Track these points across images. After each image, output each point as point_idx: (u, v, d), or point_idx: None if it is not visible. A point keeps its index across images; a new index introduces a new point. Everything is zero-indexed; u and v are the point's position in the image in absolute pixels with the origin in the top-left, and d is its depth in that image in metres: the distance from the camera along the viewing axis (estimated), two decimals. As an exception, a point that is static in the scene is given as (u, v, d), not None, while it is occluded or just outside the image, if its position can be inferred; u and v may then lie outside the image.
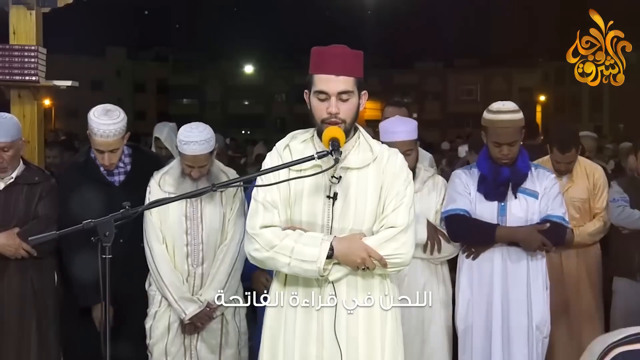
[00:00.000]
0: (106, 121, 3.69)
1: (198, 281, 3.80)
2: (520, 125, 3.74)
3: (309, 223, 2.74)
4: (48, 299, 3.94)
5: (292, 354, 2.74)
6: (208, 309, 3.76)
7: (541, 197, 3.76)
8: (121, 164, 3.89)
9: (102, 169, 3.86)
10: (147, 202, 3.71)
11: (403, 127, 3.92)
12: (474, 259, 3.84)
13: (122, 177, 3.88)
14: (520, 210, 3.75)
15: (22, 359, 3.85)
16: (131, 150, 3.95)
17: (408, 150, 3.71)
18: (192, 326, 3.78)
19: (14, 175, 3.87)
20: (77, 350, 3.95)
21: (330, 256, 2.65)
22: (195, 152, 3.66)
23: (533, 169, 3.85)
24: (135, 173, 3.88)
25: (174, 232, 3.77)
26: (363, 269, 2.70)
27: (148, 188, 3.79)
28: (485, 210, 3.78)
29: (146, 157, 4.06)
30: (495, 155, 3.76)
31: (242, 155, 10.60)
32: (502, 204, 3.77)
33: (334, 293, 2.71)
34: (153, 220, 3.75)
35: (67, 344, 3.99)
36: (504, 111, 3.73)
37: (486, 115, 3.79)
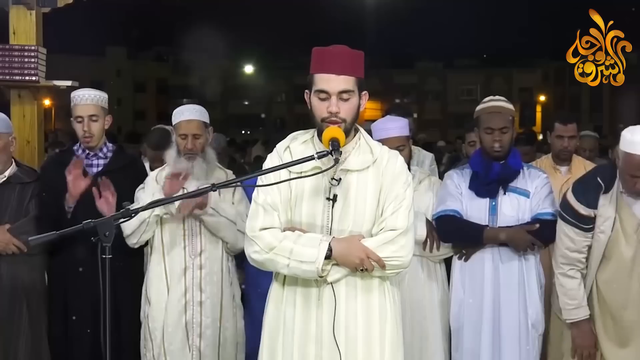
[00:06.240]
0: (86, 89, 3.98)
1: (197, 272, 3.80)
2: (510, 114, 3.82)
3: (309, 225, 2.74)
4: (39, 297, 3.95)
5: (291, 354, 2.74)
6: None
7: (532, 195, 3.78)
8: (101, 154, 3.99)
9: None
10: (139, 198, 3.77)
11: (394, 123, 3.97)
12: (465, 260, 3.85)
13: (99, 168, 3.96)
14: (511, 210, 3.77)
15: (13, 356, 3.86)
16: (115, 148, 4.07)
17: (400, 146, 3.74)
18: (185, 207, 3.71)
19: (6, 174, 3.90)
20: (62, 349, 3.96)
21: (328, 257, 2.65)
22: (188, 117, 3.78)
23: (525, 168, 3.88)
24: (113, 166, 3.96)
25: (171, 222, 3.79)
26: (361, 270, 2.70)
27: (142, 184, 3.86)
28: (476, 209, 3.80)
29: (126, 157, 4.18)
30: (488, 144, 3.78)
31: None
32: (493, 202, 3.79)
33: (333, 294, 2.72)
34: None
35: (52, 344, 4.00)
36: (494, 100, 3.89)
37: (478, 107, 3.91)
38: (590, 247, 3.56)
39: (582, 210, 3.52)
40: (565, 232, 3.59)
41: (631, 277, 3.51)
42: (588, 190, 3.55)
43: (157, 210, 3.70)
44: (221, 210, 3.78)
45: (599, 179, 3.54)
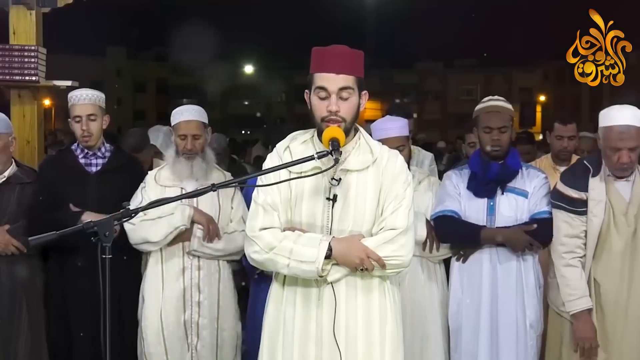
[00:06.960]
0: (84, 89, 4.01)
1: (195, 273, 3.80)
2: (509, 114, 3.84)
3: (309, 225, 2.74)
4: (38, 297, 3.96)
5: (291, 354, 2.74)
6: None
7: (530, 195, 3.78)
8: (99, 154, 4.00)
9: (79, 157, 3.96)
10: (139, 196, 3.80)
11: (394, 123, 3.98)
12: (463, 262, 3.85)
13: (99, 167, 3.97)
14: (510, 210, 3.77)
15: (13, 356, 3.86)
16: (113, 148, 4.10)
17: (400, 146, 3.74)
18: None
19: (6, 174, 3.91)
20: (62, 349, 3.96)
21: (328, 256, 2.65)
22: (187, 118, 3.82)
23: (524, 168, 3.88)
24: (112, 166, 3.99)
25: None
26: (361, 270, 2.70)
27: (143, 183, 3.86)
28: (474, 209, 3.80)
29: (124, 156, 4.21)
30: (486, 143, 3.79)
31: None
32: (491, 203, 3.78)
33: (333, 294, 2.72)
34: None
35: (51, 344, 4.00)
36: (493, 99, 3.91)
37: (477, 107, 3.93)
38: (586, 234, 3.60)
39: (573, 193, 3.59)
40: (561, 219, 3.65)
41: (623, 268, 3.55)
42: (576, 174, 3.66)
43: (180, 224, 3.73)
44: (206, 249, 3.80)
45: (586, 162, 3.66)
